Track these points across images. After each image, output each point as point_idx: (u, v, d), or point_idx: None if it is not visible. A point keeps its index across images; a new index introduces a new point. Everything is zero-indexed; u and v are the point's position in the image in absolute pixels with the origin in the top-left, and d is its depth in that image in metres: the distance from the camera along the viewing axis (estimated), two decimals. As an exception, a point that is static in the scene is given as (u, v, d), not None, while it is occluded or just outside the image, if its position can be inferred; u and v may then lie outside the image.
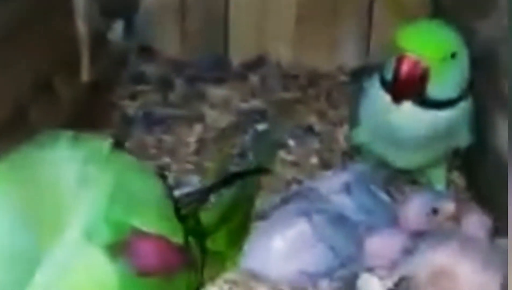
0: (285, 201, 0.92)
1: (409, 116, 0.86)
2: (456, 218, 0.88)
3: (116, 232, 0.60)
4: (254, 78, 1.32)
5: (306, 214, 0.86)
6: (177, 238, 0.67)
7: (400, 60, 0.81)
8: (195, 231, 0.80)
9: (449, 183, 1.02)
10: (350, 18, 1.29)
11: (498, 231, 0.86)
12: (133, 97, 1.26)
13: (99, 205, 0.60)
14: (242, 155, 1.12)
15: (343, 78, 1.31)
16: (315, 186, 0.92)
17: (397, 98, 0.84)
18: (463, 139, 0.92)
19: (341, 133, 1.16)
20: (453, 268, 0.79)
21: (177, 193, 0.83)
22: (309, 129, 1.19)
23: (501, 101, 0.87)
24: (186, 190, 0.91)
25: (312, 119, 1.21)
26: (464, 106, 0.88)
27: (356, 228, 0.87)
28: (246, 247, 0.88)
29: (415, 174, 1.02)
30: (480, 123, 0.93)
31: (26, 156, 0.60)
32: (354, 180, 0.92)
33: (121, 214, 0.61)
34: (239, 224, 0.91)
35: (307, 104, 1.25)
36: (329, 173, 1.04)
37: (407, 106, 0.85)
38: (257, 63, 1.33)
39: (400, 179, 1.02)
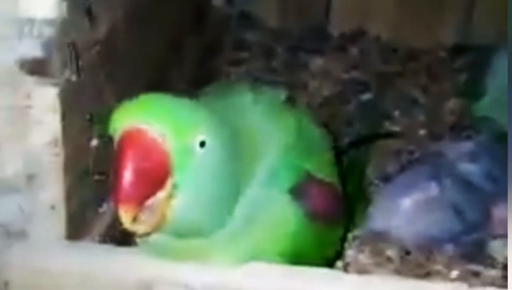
0: (410, 164, 0.94)
1: None
2: None
3: (295, 176, 0.63)
4: (353, 50, 1.33)
5: (436, 177, 0.88)
6: (339, 186, 0.70)
7: None
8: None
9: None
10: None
11: None
12: (236, 63, 1.28)
13: (282, 149, 0.62)
14: (348, 124, 1.14)
15: (442, 54, 1.32)
16: (442, 152, 0.94)
17: None
18: None
19: (447, 106, 1.18)
20: None
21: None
22: (414, 101, 1.20)
23: None
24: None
25: (416, 92, 1.22)
26: None
27: (483, 196, 0.89)
28: (371, 208, 0.90)
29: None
30: None
31: (216, 101, 0.63)
32: (480, 149, 0.93)
33: (298, 159, 0.64)
34: (355, 187, 0.94)
35: (408, 77, 1.27)
36: (440, 146, 1.06)
37: None
38: (357, 35, 1.34)
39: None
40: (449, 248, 0.87)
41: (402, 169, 0.95)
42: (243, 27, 1.35)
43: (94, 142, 0.69)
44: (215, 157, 0.56)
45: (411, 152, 1.07)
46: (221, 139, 0.56)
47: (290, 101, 0.71)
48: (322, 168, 0.67)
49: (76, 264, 0.64)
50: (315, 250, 0.66)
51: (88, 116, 0.67)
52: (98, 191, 0.72)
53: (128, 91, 0.71)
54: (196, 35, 1.09)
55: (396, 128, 1.15)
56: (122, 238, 0.69)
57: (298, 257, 0.63)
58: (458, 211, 0.88)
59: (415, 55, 1.32)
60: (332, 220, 0.68)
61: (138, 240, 0.62)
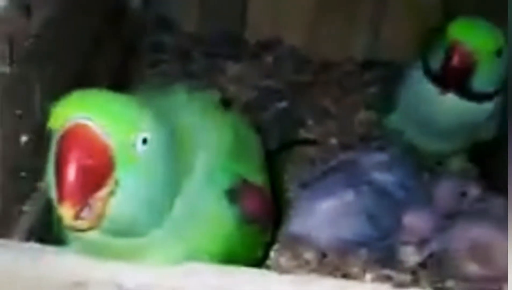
0: (327, 172, 0.97)
1: (450, 105, 0.92)
2: (480, 200, 0.96)
3: (231, 179, 0.64)
4: (268, 58, 1.36)
5: (352, 185, 0.92)
6: (269, 191, 0.71)
7: (453, 49, 0.87)
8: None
9: (464, 169, 1.10)
10: (365, 12, 1.35)
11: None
12: (153, 65, 1.28)
13: (218, 151, 0.63)
14: (265, 130, 1.16)
15: (353, 68, 1.37)
16: (357, 161, 0.98)
17: (447, 86, 0.90)
18: (489, 132, 1.00)
19: (357, 117, 1.23)
20: (490, 243, 0.86)
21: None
22: (326, 112, 1.24)
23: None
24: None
25: (327, 103, 1.27)
26: (497, 100, 0.96)
27: (396, 204, 0.93)
28: (291, 212, 0.92)
29: (436, 158, 1.09)
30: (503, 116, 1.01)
31: (152, 100, 0.63)
32: (393, 160, 0.98)
33: (234, 162, 0.65)
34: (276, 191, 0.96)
35: (320, 88, 1.31)
36: (351, 156, 1.10)
37: (450, 96, 0.91)
38: (272, 44, 1.37)
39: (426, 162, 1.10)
40: (364, 252, 0.91)
41: (320, 175, 0.98)
42: (160, 30, 1.35)
43: (24, 138, 0.67)
44: (156, 155, 0.56)
45: (324, 160, 1.11)
46: (162, 137, 0.56)
47: (225, 103, 0.72)
48: (255, 172, 0.69)
49: (2, 264, 0.62)
50: (247, 251, 0.67)
51: (18, 111, 0.66)
52: (23, 188, 0.70)
53: (55, 86, 0.71)
54: (114, 36, 1.08)
55: (311, 136, 1.18)
56: (46, 237, 0.67)
57: (231, 257, 0.64)
58: (372, 218, 0.92)
59: (327, 66, 1.37)
60: (263, 223, 0.70)
61: (71, 238, 0.61)
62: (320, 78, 1.34)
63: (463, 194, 0.96)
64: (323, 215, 0.91)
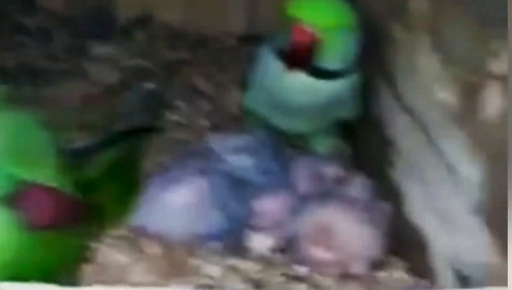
0: (180, 158, 0.91)
1: (299, 85, 0.87)
2: (341, 182, 0.91)
3: (8, 184, 0.57)
4: (140, 36, 1.28)
5: (203, 173, 0.86)
6: (68, 191, 0.64)
7: (294, 27, 0.82)
8: (81, 184, 0.78)
9: (333, 150, 1.04)
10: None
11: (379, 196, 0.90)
12: (11, 48, 1.19)
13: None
14: (128, 114, 1.09)
15: (231, 42, 1.30)
16: (213, 146, 0.91)
17: (291, 65, 0.85)
18: (349, 111, 0.95)
19: (230, 97, 1.16)
20: (334, 226, 0.82)
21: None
22: (196, 91, 1.17)
23: (385, 76, 0.91)
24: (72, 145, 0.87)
25: (201, 81, 1.20)
26: (352, 79, 0.91)
27: (252, 190, 0.87)
28: (138, 203, 0.85)
29: (300, 139, 1.04)
30: (366, 96, 0.96)
31: None
32: (254, 142, 0.92)
33: (12, 167, 0.58)
34: (125, 181, 0.89)
35: (195, 66, 1.24)
36: (227, 134, 1.04)
37: (298, 74, 0.86)
38: (144, 21, 1.29)
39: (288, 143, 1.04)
40: (213, 244, 0.85)
41: (171, 163, 0.92)
42: (22, 10, 1.26)
43: None
44: None
45: (188, 144, 1.05)
46: None
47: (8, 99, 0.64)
48: (45, 174, 0.61)
49: None
50: (43, 262, 0.60)
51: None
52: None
53: None
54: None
55: (179, 119, 1.11)
56: None
57: (20, 269, 0.57)
58: (223, 208, 0.85)
59: (204, 42, 1.29)
60: (61, 226, 0.63)
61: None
62: (196, 55, 1.27)
63: (321, 175, 0.90)
64: (169, 206, 0.85)
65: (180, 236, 0.84)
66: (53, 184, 0.62)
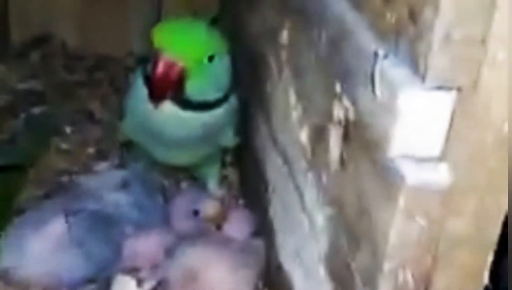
0: (47, 195, 0.87)
1: (169, 116, 0.82)
2: (218, 219, 0.88)
3: None
4: (35, 57, 1.24)
5: (65, 212, 0.81)
6: None
7: (156, 60, 0.77)
8: None
9: (222, 179, 1.02)
10: (140, 3, 1.25)
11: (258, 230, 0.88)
12: None
13: None
14: (12, 140, 1.05)
15: (131, 63, 1.27)
16: (84, 181, 0.88)
17: (154, 98, 0.79)
18: (228, 139, 0.91)
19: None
20: (204, 271, 0.79)
21: None
22: (90, 116, 1.13)
23: (262, 102, 0.88)
24: None
25: (94, 105, 1.16)
26: (228, 107, 0.86)
27: (123, 228, 0.84)
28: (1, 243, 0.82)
29: (192, 170, 1.01)
30: (246, 123, 0.93)
31: None
32: (132, 177, 0.88)
33: None
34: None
35: (90, 88, 1.20)
36: (105, 168, 1.01)
37: (167, 105, 0.81)
38: (40, 41, 1.25)
39: (176, 176, 1.01)
40: (79, 289, 0.81)
41: (38, 200, 0.88)
42: None
43: None
44: None
45: (73, 173, 1.01)
46: None
47: None
48: None
49: None
50: None
51: None
52: None
53: None
54: None
55: (66, 146, 1.07)
56: None
57: None
58: (86, 250, 0.81)
59: (103, 64, 1.26)
60: None
61: None
62: (93, 76, 1.23)
63: (196, 212, 0.87)
64: (32, 248, 0.80)
65: (42, 282, 0.80)
66: None
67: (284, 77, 0.79)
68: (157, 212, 0.88)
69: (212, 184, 0.99)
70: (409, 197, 0.47)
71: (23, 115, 1.10)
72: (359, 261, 0.55)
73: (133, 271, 0.83)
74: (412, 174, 0.47)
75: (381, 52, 0.49)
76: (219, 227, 0.88)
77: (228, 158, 1.04)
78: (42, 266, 0.80)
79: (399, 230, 0.48)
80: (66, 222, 0.81)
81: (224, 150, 0.97)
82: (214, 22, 1.19)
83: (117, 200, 0.87)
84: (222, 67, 0.82)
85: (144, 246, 0.84)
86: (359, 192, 0.54)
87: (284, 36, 0.78)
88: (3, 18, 1.23)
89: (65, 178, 0.99)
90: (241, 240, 0.85)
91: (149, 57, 1.21)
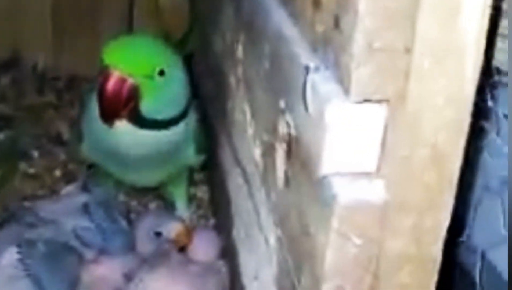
0: (10, 223, 0.85)
1: (125, 135, 0.79)
2: (181, 241, 0.85)
3: None
4: (4, 80, 1.22)
5: (17, 242, 0.79)
6: None
7: (104, 77, 0.74)
8: None
9: (191, 198, 1.00)
10: (110, 22, 1.24)
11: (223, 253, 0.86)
12: None
13: None
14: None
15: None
16: (43, 207, 0.85)
17: (105, 117, 0.77)
18: (190, 158, 0.88)
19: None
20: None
21: None
22: (58, 138, 1.11)
23: (224, 119, 0.86)
24: None
25: (63, 127, 1.14)
26: (187, 125, 0.84)
27: (83, 255, 0.81)
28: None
29: (160, 190, 0.99)
30: (210, 140, 0.91)
31: None
32: (92, 201, 0.86)
33: None
34: None
35: (60, 110, 1.18)
36: (71, 190, 0.99)
37: (123, 124, 0.78)
38: (10, 63, 1.23)
39: (143, 197, 0.99)
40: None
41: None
42: None
43: None
44: None
45: (38, 197, 0.99)
46: None
47: None
48: None
49: None
50: None
51: None
52: None
53: None
54: None
55: (32, 170, 1.05)
56: None
57: None
58: (38, 282, 0.78)
59: (75, 84, 1.24)
60: None
61: None
62: (64, 97, 1.21)
63: (158, 234, 0.85)
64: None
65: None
66: None
67: (240, 93, 0.77)
68: (119, 236, 0.86)
69: (180, 204, 0.97)
70: (342, 216, 0.45)
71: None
72: (303, 283, 0.52)
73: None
74: (345, 192, 0.45)
75: (312, 65, 0.47)
76: (182, 249, 0.86)
77: (197, 176, 1.02)
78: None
79: (335, 251, 0.46)
80: (19, 253, 0.78)
81: (191, 169, 0.95)
82: (183, 41, 1.18)
83: (76, 226, 0.84)
84: (175, 82, 0.79)
85: (104, 271, 0.81)
86: (300, 212, 0.52)
87: (240, 50, 0.77)
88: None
89: (28, 204, 0.97)
90: (204, 262, 0.82)
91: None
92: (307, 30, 0.50)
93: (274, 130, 0.60)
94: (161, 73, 0.77)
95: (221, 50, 0.90)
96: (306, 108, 0.48)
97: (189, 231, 0.86)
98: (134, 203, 1.00)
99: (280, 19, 0.57)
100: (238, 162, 0.80)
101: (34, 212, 0.85)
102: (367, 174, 0.45)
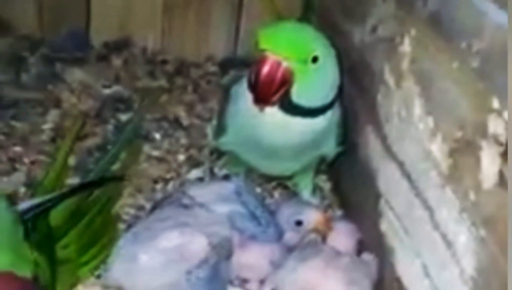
0: (157, 207, 0.85)
1: (274, 122, 0.79)
2: (321, 230, 0.86)
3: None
4: (117, 62, 1.23)
5: (179, 227, 0.79)
6: (25, 270, 0.60)
7: (260, 61, 0.75)
8: (45, 238, 0.73)
9: (315, 188, 1.00)
10: (220, 8, 1.24)
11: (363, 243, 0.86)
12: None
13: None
14: (102, 147, 1.03)
15: (213, 68, 1.25)
16: (195, 194, 0.85)
17: (259, 101, 0.77)
18: (330, 148, 0.88)
19: (207, 127, 1.11)
20: (318, 285, 0.77)
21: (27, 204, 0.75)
22: (177, 122, 1.12)
23: (371, 112, 0.86)
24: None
25: (180, 111, 1.14)
26: (333, 115, 0.83)
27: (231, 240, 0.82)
28: (111, 256, 0.80)
29: (284, 179, 0.99)
30: (349, 130, 0.91)
31: None
32: (242, 189, 0.86)
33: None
34: (92, 227, 0.84)
35: (174, 94, 1.19)
36: (197, 175, 1.00)
37: (273, 112, 0.78)
38: (121, 45, 1.24)
39: (268, 186, 1.00)
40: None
41: (152, 209, 0.87)
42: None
43: None
44: None
45: (167, 181, 1.00)
46: None
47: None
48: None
49: None
50: None
51: None
52: None
53: None
54: None
55: (156, 153, 1.06)
56: None
57: None
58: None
59: (184, 69, 1.24)
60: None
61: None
62: (176, 82, 1.22)
63: (298, 223, 0.85)
64: (141, 265, 0.78)
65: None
66: (8, 267, 0.57)
67: (405, 86, 0.76)
68: (272, 224, 0.85)
69: (306, 194, 0.97)
70: None
71: (112, 121, 1.09)
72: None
73: (242, 283, 0.81)
74: None
75: None
76: (323, 238, 0.86)
77: (321, 166, 1.02)
78: (155, 278, 0.78)
79: None
80: (181, 235, 0.79)
81: (322, 159, 0.95)
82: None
83: (232, 212, 0.84)
84: (327, 71, 0.79)
85: (253, 257, 0.82)
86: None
87: (406, 43, 0.76)
88: (86, 21, 1.22)
89: (160, 186, 0.98)
90: (348, 254, 0.83)
91: (233, 61, 1.21)
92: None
93: (477, 128, 0.60)
94: (315, 59, 0.77)
95: (366, 42, 0.90)
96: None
97: (329, 221, 0.86)
98: (258, 191, 1.00)
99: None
100: (393, 156, 0.80)
101: (187, 196, 0.85)
102: None
